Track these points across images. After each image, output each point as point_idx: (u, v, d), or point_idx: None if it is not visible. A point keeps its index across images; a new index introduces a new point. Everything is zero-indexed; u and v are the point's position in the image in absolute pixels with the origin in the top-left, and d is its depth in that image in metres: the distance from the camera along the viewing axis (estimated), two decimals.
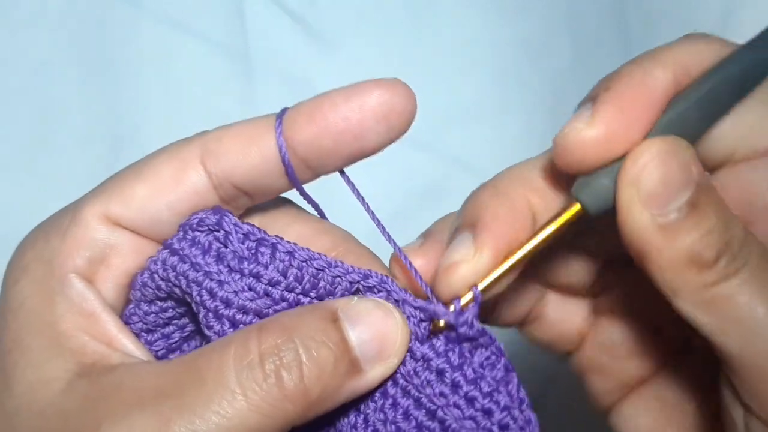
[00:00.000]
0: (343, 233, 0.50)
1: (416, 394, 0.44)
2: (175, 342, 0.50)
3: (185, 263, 0.45)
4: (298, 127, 0.45)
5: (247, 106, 0.91)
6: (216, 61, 0.92)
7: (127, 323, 0.48)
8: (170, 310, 0.48)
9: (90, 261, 0.46)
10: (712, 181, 0.46)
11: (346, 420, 0.46)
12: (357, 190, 0.48)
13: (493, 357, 0.46)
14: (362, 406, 0.46)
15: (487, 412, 0.45)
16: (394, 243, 0.48)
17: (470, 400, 0.45)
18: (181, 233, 0.46)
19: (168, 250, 0.46)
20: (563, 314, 0.57)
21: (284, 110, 0.46)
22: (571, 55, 0.99)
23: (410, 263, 0.48)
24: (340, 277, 0.45)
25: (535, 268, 0.55)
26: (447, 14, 0.98)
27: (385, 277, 0.46)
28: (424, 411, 0.45)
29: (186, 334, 0.50)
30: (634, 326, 0.55)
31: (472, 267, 0.46)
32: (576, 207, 0.46)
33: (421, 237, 0.52)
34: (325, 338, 0.42)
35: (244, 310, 0.45)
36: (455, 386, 0.45)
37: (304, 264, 0.45)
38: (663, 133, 0.45)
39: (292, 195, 0.49)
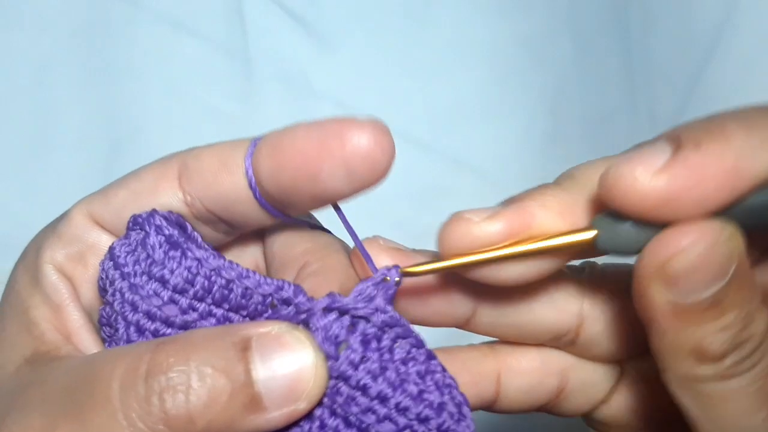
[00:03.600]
0: (325, 240, 0.48)
1: (342, 413, 0.41)
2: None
3: (110, 260, 0.45)
4: (262, 158, 0.42)
5: (247, 106, 0.91)
6: (216, 61, 0.91)
7: (103, 325, 0.47)
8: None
9: (68, 256, 0.47)
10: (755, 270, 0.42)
11: None
12: (348, 224, 0.45)
13: (413, 349, 0.43)
14: None
15: (423, 420, 0.41)
16: (353, 233, 0.45)
17: (402, 411, 0.41)
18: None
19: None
20: (586, 386, 0.53)
21: (257, 140, 0.44)
22: (571, 55, 0.99)
23: (362, 245, 0.45)
24: (250, 288, 0.43)
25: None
26: (447, 14, 0.98)
27: (298, 289, 0.43)
28: (355, 429, 0.41)
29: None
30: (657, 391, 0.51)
31: (475, 229, 0.42)
32: (590, 234, 0.41)
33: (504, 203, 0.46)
34: (225, 366, 0.38)
35: (149, 316, 0.42)
36: (383, 399, 0.41)
37: (212, 273, 0.43)
38: (737, 216, 0.39)
39: None
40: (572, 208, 0.43)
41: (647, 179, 0.38)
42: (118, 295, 0.43)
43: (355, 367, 0.41)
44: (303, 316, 0.41)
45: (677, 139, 0.39)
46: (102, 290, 0.46)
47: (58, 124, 0.88)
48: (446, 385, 0.43)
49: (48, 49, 0.90)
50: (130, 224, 0.45)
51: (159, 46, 0.90)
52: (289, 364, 0.39)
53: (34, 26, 0.90)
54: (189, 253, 0.43)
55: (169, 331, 0.42)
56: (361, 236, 0.47)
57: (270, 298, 0.42)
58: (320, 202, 0.43)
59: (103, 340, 0.47)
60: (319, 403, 0.41)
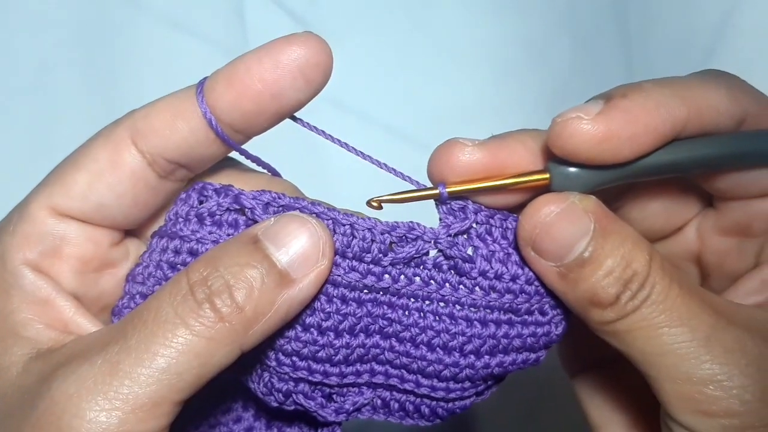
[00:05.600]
0: (291, 186, 0.52)
1: (484, 303, 0.49)
2: None
3: (212, 243, 0.47)
4: (218, 95, 0.46)
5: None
6: (216, 61, 0.91)
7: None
8: None
9: (41, 254, 0.47)
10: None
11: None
12: (315, 128, 0.49)
13: (505, 222, 0.50)
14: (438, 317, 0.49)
15: (531, 282, 0.49)
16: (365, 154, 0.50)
17: (531, 282, 0.49)
18: (183, 219, 0.48)
19: (177, 239, 0.48)
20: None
21: (204, 79, 0.47)
22: (571, 55, 0.99)
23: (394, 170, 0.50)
24: (371, 229, 0.48)
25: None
26: (447, 14, 0.98)
27: (412, 224, 0.48)
28: (497, 312, 0.49)
29: None
30: None
31: (468, 154, 0.48)
32: (544, 176, 0.48)
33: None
34: (248, 259, 0.44)
35: None
36: (514, 279, 0.49)
37: (333, 222, 0.47)
38: (647, 168, 0.47)
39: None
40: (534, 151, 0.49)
41: (587, 124, 0.45)
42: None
43: (488, 260, 0.49)
44: (429, 245, 0.48)
45: (607, 95, 0.47)
46: (162, 278, 0.48)
47: (59, 124, 0.88)
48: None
49: (48, 49, 0.90)
50: (210, 209, 0.48)
51: (159, 46, 0.90)
52: (294, 236, 0.45)
53: (34, 26, 0.90)
54: (306, 210, 0.47)
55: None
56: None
57: (387, 237, 0.48)
58: (281, 117, 0.47)
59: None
60: (462, 305, 0.49)
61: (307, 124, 0.49)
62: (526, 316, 0.50)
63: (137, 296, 0.49)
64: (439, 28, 0.98)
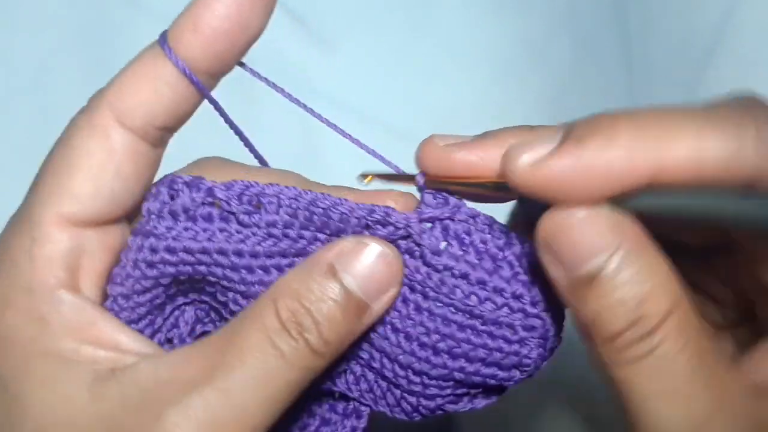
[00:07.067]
0: (296, 175, 0.51)
1: (448, 301, 0.49)
2: (158, 326, 0.50)
3: (189, 239, 0.47)
4: (187, 43, 0.45)
5: (246, 106, 0.91)
6: None
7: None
8: (162, 295, 0.49)
9: (68, 271, 0.45)
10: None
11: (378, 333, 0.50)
12: (265, 78, 0.50)
13: (501, 233, 0.49)
14: (397, 322, 0.50)
15: (517, 297, 0.48)
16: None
17: (499, 291, 0.48)
18: (156, 216, 0.47)
19: (152, 237, 0.47)
20: None
21: (164, 34, 0.47)
22: (571, 55, 0.99)
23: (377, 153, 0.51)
24: (346, 214, 0.48)
25: None
26: (447, 14, 0.98)
27: (389, 209, 0.48)
28: (461, 313, 0.49)
29: (166, 316, 0.51)
30: None
31: (448, 145, 0.48)
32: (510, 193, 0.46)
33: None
34: (331, 295, 0.45)
35: (270, 255, 0.48)
36: (481, 283, 0.48)
37: (310, 204, 0.48)
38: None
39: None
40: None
41: (527, 166, 0.42)
42: (233, 256, 0.47)
43: (456, 259, 0.48)
44: (401, 231, 0.48)
45: (567, 131, 0.42)
46: (139, 279, 0.47)
47: (59, 124, 0.88)
48: (530, 263, 0.48)
49: (48, 49, 0.90)
50: (183, 205, 0.47)
51: None
52: (367, 264, 0.46)
53: (34, 26, 0.90)
54: (282, 195, 0.48)
55: (286, 261, 0.48)
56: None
57: (364, 221, 0.48)
58: (249, 46, 0.47)
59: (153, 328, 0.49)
60: (426, 296, 0.49)
61: (257, 73, 0.50)
62: (492, 327, 0.48)
63: (119, 298, 0.48)
64: (439, 28, 0.98)
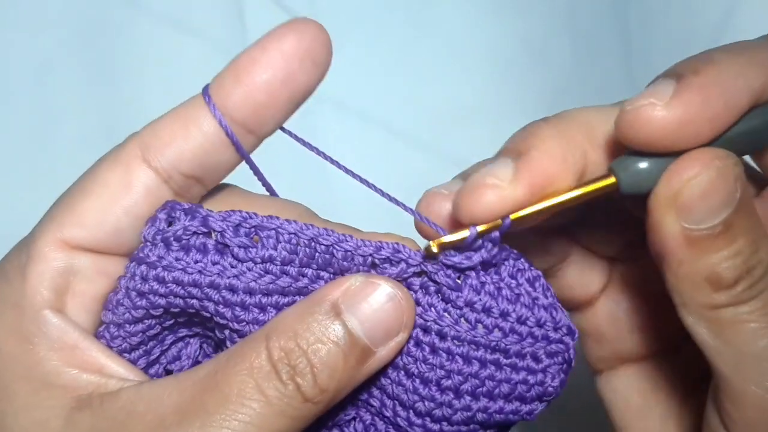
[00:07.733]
0: (303, 209, 0.49)
1: (470, 338, 0.46)
2: (155, 357, 0.49)
3: (179, 271, 0.44)
4: (226, 93, 0.44)
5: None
6: (216, 61, 0.91)
7: (108, 346, 0.47)
8: (156, 326, 0.47)
9: (56, 292, 0.44)
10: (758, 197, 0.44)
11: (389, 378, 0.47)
12: (309, 144, 0.48)
13: (514, 262, 0.47)
14: (408, 364, 0.47)
15: (542, 324, 0.46)
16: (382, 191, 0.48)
17: (523, 321, 0.46)
18: (150, 243, 0.45)
19: (144, 264, 0.45)
20: (581, 276, 0.55)
21: (207, 86, 0.45)
22: (571, 55, 0.99)
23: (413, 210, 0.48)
24: (350, 251, 0.45)
25: (565, 222, 0.53)
26: (447, 14, 0.98)
27: (398, 245, 0.46)
28: (482, 349, 0.46)
29: (165, 347, 0.49)
30: (643, 305, 0.55)
31: (504, 195, 0.43)
32: (610, 181, 0.44)
33: (458, 178, 0.49)
34: (332, 338, 0.42)
35: (267, 293, 0.45)
36: (504, 315, 0.46)
37: (311, 241, 0.45)
38: (731, 143, 0.43)
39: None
40: (572, 151, 0.45)
41: (662, 110, 0.41)
42: (225, 292, 0.45)
43: (477, 292, 0.45)
44: (414, 268, 0.45)
45: (676, 73, 0.43)
46: (130, 308, 0.45)
47: (59, 124, 0.88)
48: (547, 287, 0.47)
49: (48, 49, 0.90)
50: (176, 233, 0.44)
51: (159, 46, 0.90)
52: (378, 308, 0.43)
53: (34, 26, 0.90)
54: (282, 229, 0.45)
55: (286, 300, 0.45)
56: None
57: (370, 258, 0.45)
58: (293, 107, 0.45)
59: (149, 359, 0.48)
60: (443, 335, 0.46)
61: (302, 140, 0.48)
62: (516, 360, 0.46)
63: (111, 326, 0.46)
64: (439, 28, 0.98)
